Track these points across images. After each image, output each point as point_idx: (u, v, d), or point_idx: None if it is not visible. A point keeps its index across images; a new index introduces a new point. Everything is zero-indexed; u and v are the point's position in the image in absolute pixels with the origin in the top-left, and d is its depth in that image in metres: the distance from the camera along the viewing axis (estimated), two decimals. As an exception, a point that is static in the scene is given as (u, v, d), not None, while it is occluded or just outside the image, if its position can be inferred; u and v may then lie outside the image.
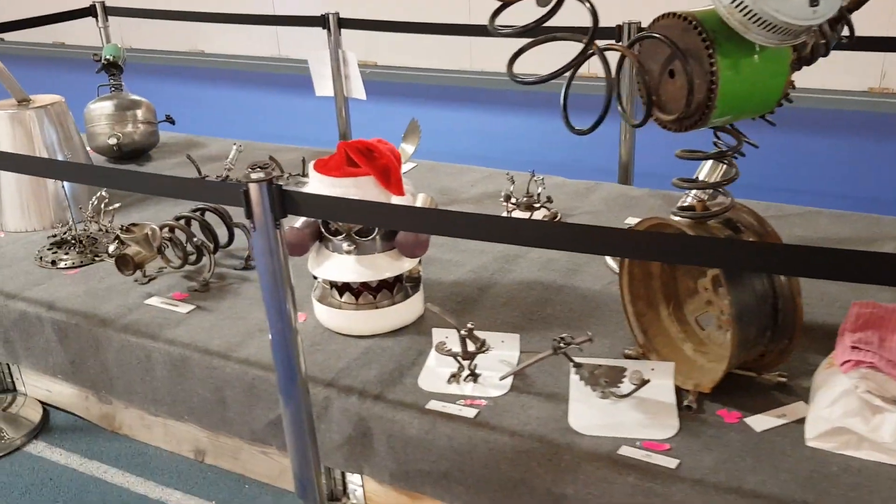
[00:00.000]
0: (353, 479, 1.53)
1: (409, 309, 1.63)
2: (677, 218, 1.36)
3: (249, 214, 1.14)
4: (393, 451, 1.39)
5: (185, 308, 1.75)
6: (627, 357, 1.49)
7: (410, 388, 1.44)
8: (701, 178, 1.81)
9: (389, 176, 1.51)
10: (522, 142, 3.97)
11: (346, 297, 1.62)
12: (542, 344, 1.54)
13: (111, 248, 1.73)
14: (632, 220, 2.09)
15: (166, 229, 1.82)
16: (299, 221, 1.63)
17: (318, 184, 1.54)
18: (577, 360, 1.38)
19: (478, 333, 1.43)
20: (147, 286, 1.85)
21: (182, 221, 1.89)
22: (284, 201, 1.13)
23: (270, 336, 1.25)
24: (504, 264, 1.88)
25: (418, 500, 1.45)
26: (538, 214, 2.12)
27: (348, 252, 1.55)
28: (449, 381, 1.45)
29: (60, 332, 1.74)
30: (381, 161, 1.51)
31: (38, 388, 1.95)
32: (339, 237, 1.56)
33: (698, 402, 1.33)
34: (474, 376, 1.44)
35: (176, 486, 1.66)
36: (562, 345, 1.34)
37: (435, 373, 1.48)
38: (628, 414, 1.34)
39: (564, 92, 1.24)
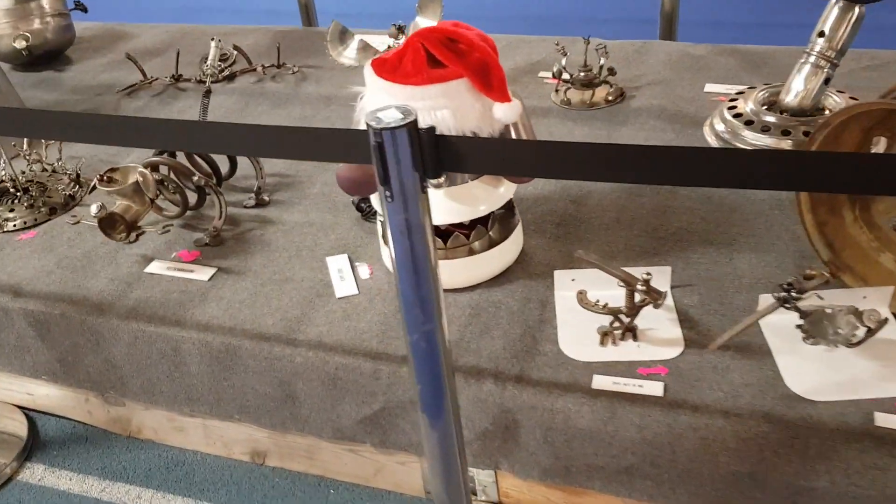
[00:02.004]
0: (482, 473, 1.20)
1: (515, 246, 1.26)
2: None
3: (386, 178, 0.73)
4: (551, 446, 1.06)
5: (203, 273, 1.32)
6: (809, 278, 1.17)
7: (555, 358, 1.09)
8: (828, 27, 1.44)
9: (490, 76, 1.09)
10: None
11: (430, 240, 1.23)
12: (689, 274, 1.20)
13: (93, 208, 1.27)
14: (712, 88, 1.73)
15: (155, 169, 1.36)
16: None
17: (384, 95, 1.11)
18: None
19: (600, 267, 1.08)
20: (136, 245, 1.40)
21: (167, 155, 1.42)
22: (440, 154, 0.72)
23: (409, 342, 0.86)
24: (589, 164, 1.51)
25: (579, 496, 1.14)
26: (600, 92, 1.73)
27: (437, 186, 1.14)
28: (602, 343, 1.11)
29: (40, 326, 1.30)
30: (475, 56, 1.09)
31: (13, 391, 1.51)
32: (422, 165, 1.15)
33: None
34: (632, 332, 1.11)
35: (236, 500, 1.31)
36: (792, 293, 1.00)
37: (578, 332, 1.13)
38: (857, 364, 1.04)
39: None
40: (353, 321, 1.19)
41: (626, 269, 1.10)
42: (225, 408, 1.26)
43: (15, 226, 1.49)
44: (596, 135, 1.59)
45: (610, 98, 1.71)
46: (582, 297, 1.11)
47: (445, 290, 1.22)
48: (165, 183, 1.37)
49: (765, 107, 1.51)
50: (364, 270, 1.30)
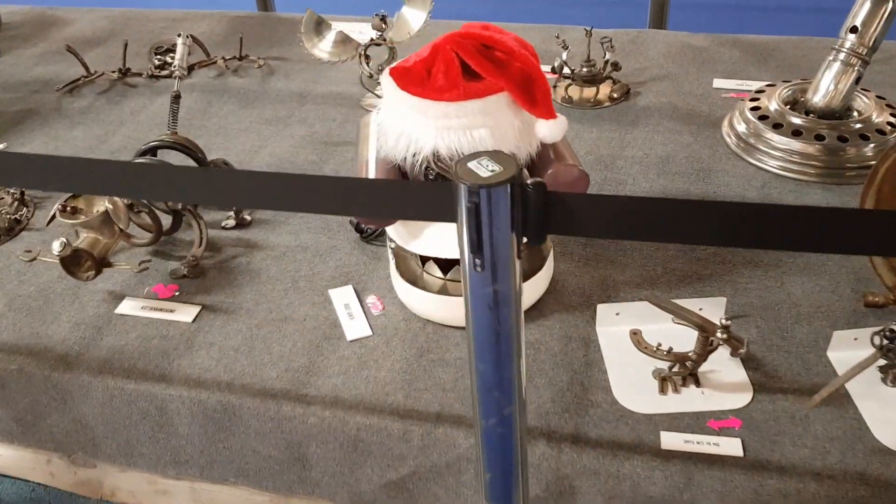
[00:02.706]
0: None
1: (547, 273, 1.12)
2: None
3: (479, 245, 0.57)
4: (614, 513, 0.93)
5: (186, 312, 1.14)
6: (871, 305, 1.07)
7: (612, 411, 0.96)
8: (860, 22, 1.33)
9: (534, 89, 0.94)
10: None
11: (454, 271, 1.08)
12: (740, 302, 1.08)
13: (56, 246, 1.07)
14: (721, 83, 1.61)
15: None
16: (365, 162, 1.04)
17: (410, 112, 0.95)
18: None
19: (634, 296, 0.96)
20: (101, 278, 1.20)
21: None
22: (550, 215, 0.57)
23: (481, 427, 0.71)
24: (607, 172, 1.37)
25: (637, 560, 1.02)
26: (604, 89, 1.60)
27: (470, 213, 0.99)
28: (662, 390, 0.98)
29: (-7, 382, 1.10)
30: (516, 66, 0.93)
31: (-42, 448, 1.30)
32: (450, 191, 1.00)
33: None
34: (694, 376, 0.99)
35: (228, 567, 1.15)
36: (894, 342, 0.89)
37: (631, 376, 1.00)
38: (946, 408, 0.94)
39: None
40: (371, 370, 1.04)
41: (680, 302, 0.97)
42: (219, 470, 1.09)
43: (-49, 257, 1.27)
44: (608, 138, 1.46)
45: (615, 96, 1.58)
46: (638, 340, 0.98)
47: (465, 328, 1.08)
48: (135, 207, 1.18)
49: (788, 106, 1.41)
50: (373, 304, 1.14)
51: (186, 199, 1.10)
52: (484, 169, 0.57)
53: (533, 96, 0.94)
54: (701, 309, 1.05)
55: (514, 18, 1.96)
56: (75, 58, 1.81)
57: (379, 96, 1.64)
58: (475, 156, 0.59)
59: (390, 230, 1.06)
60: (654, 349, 0.97)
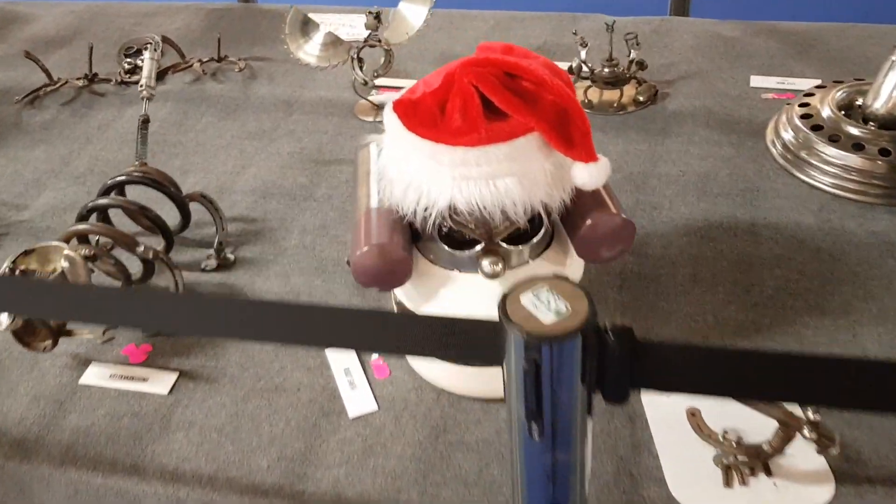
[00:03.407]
0: None
1: (580, 333, 0.96)
2: None
3: (538, 413, 0.41)
4: None
5: (161, 382, 0.98)
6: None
7: (668, 509, 0.81)
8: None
9: (570, 127, 0.77)
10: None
11: (473, 334, 0.92)
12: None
13: (3, 319, 0.90)
14: (759, 82, 1.44)
15: (84, 245, 0.99)
16: (365, 214, 0.87)
17: (419, 157, 0.78)
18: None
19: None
20: (63, 340, 1.04)
21: (96, 216, 1.06)
22: (636, 370, 0.40)
23: None
24: (639, 194, 1.21)
25: None
26: (628, 91, 1.42)
27: (494, 275, 0.82)
28: (727, 482, 0.82)
29: (-64, 474, 0.94)
30: (548, 99, 0.76)
31: None
32: (469, 250, 0.83)
33: None
34: (766, 466, 0.83)
35: None
36: None
37: (688, 463, 0.85)
38: None
39: None
40: (378, 457, 0.88)
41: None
42: (206, 569, 0.94)
43: None
44: (636, 151, 1.29)
45: (640, 99, 1.40)
46: (699, 424, 0.82)
47: (487, 401, 0.92)
48: (96, 257, 1.01)
49: (842, 112, 1.24)
50: (377, 367, 0.98)
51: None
52: (544, 307, 0.41)
53: (569, 136, 0.77)
54: (817, 412, 0.90)
55: (517, 6, 1.77)
56: (35, 64, 1.62)
57: (375, 105, 1.49)
58: (529, 284, 0.42)
59: (401, 295, 0.90)
60: (720, 438, 0.81)
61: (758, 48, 1.53)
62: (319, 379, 0.98)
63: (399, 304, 0.93)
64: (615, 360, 0.40)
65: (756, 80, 1.44)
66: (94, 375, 1.00)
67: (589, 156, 0.78)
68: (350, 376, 0.97)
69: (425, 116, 0.77)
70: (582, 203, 0.84)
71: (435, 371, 0.93)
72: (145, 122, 1.14)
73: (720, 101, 1.39)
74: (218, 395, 0.97)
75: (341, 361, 0.99)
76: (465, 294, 0.85)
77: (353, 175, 0.97)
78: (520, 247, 0.83)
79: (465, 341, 0.44)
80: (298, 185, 1.31)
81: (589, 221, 0.83)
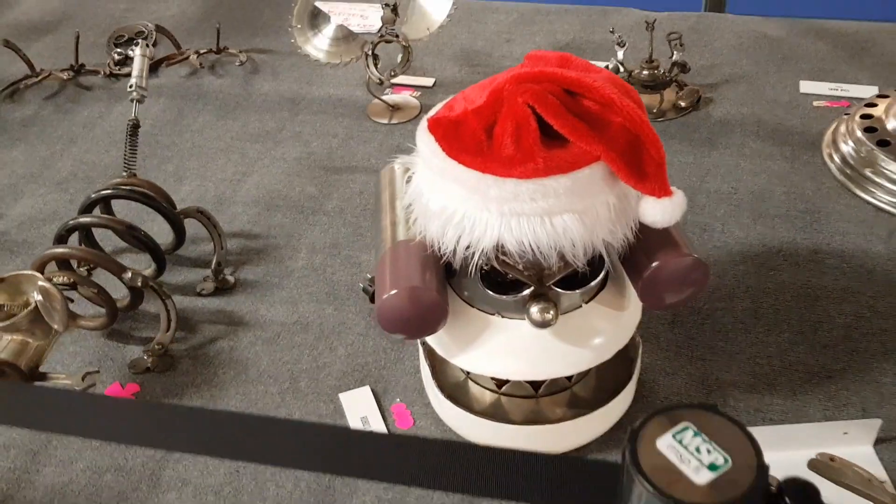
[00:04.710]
0: None
1: (633, 384, 0.83)
2: None
3: None
4: None
5: (150, 431, 0.86)
6: None
7: None
8: None
9: (642, 156, 0.64)
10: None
11: (514, 384, 0.80)
12: (886, 413, 0.81)
13: (-38, 366, 0.77)
14: (810, 88, 1.31)
15: (63, 272, 0.86)
16: (391, 249, 0.74)
17: (460, 188, 0.65)
18: None
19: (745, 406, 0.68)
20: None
21: (76, 239, 0.93)
22: None
23: None
24: (688, 213, 1.08)
25: None
26: (669, 95, 1.30)
27: (544, 324, 0.70)
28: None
29: None
30: (617, 124, 0.64)
31: None
32: (515, 294, 0.71)
33: None
34: (855, 545, 0.71)
35: None
36: None
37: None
38: None
39: None
40: (403, 528, 0.76)
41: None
42: None
43: None
44: (681, 164, 1.17)
45: (682, 104, 1.28)
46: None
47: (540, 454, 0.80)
48: (76, 284, 0.89)
49: (908, 125, 1.12)
50: (398, 413, 0.86)
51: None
52: (692, 458, 0.29)
53: (641, 167, 0.64)
54: (846, 433, 0.78)
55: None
56: (16, 54, 1.48)
57: (389, 105, 1.36)
58: (666, 420, 0.30)
59: (434, 343, 0.77)
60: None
61: (806, 50, 1.40)
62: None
63: (428, 350, 0.80)
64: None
65: (806, 86, 1.31)
66: (75, 420, 0.87)
67: (663, 190, 0.65)
68: (368, 425, 0.85)
69: (469, 141, 0.65)
70: (646, 240, 0.71)
71: (466, 424, 0.81)
72: (135, 127, 1.01)
73: (770, 108, 1.27)
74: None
75: (357, 406, 0.87)
76: (509, 344, 0.73)
77: (374, 199, 0.84)
78: (576, 291, 0.71)
79: (580, 489, 0.32)
80: (306, 196, 1.18)
81: (656, 262, 0.70)
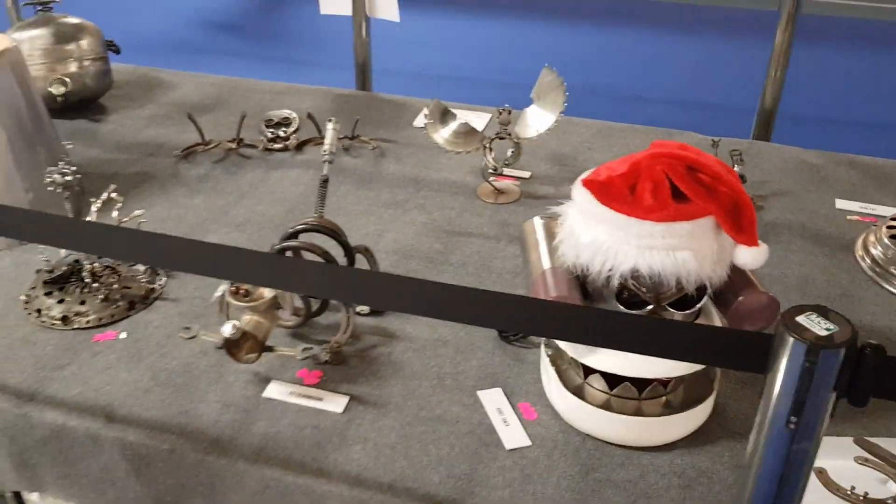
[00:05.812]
0: None
1: (712, 397, 1.09)
2: None
3: (800, 408, 0.55)
4: None
5: (335, 402, 1.12)
6: None
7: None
8: None
9: (741, 215, 0.94)
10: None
11: (622, 387, 1.06)
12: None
13: (227, 329, 1.05)
14: (844, 205, 1.61)
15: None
16: (543, 274, 1.03)
17: (607, 228, 0.94)
18: None
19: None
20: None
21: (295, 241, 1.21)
22: (882, 380, 0.55)
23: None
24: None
25: None
26: (728, 201, 1.60)
27: (655, 333, 0.97)
28: (848, 533, 0.95)
29: (139, 459, 1.07)
30: (724, 191, 0.93)
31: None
32: (638, 310, 0.99)
33: None
34: (881, 521, 0.95)
35: None
36: None
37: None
38: None
39: None
40: (536, 485, 1.01)
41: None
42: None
43: (88, 322, 1.25)
44: (739, 253, 1.45)
45: (739, 209, 1.57)
46: (827, 481, 0.95)
47: (629, 448, 1.05)
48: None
49: (927, 236, 1.40)
50: (525, 410, 1.12)
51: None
52: (817, 326, 0.56)
53: (739, 223, 0.94)
54: None
55: (614, 117, 1.98)
56: (192, 124, 1.82)
57: (496, 189, 1.67)
58: (799, 310, 0.58)
59: (570, 349, 1.05)
60: (848, 492, 0.94)
61: (840, 175, 1.72)
62: (475, 415, 1.11)
63: (552, 358, 1.07)
64: (866, 371, 0.55)
65: (841, 203, 1.61)
66: (275, 391, 1.14)
67: (753, 241, 0.94)
68: (503, 415, 1.11)
69: (617, 194, 0.94)
70: (732, 281, 0.99)
71: (582, 417, 1.06)
72: (325, 181, 1.32)
73: (811, 217, 1.56)
74: (386, 418, 1.10)
75: (493, 401, 1.13)
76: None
77: (521, 244, 1.13)
78: (685, 312, 0.98)
79: (734, 349, 0.59)
80: (434, 251, 1.47)
81: (741, 297, 0.98)
